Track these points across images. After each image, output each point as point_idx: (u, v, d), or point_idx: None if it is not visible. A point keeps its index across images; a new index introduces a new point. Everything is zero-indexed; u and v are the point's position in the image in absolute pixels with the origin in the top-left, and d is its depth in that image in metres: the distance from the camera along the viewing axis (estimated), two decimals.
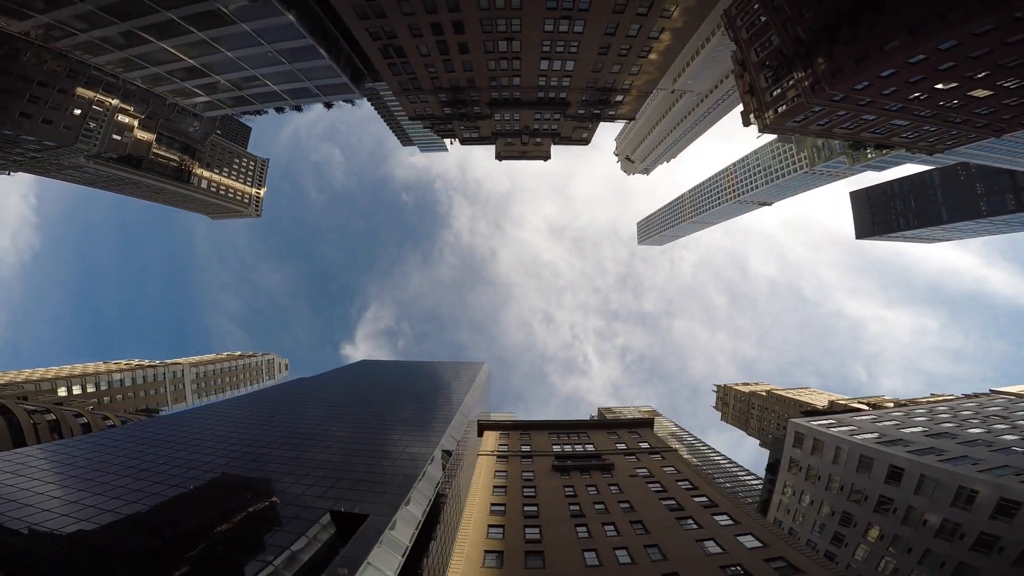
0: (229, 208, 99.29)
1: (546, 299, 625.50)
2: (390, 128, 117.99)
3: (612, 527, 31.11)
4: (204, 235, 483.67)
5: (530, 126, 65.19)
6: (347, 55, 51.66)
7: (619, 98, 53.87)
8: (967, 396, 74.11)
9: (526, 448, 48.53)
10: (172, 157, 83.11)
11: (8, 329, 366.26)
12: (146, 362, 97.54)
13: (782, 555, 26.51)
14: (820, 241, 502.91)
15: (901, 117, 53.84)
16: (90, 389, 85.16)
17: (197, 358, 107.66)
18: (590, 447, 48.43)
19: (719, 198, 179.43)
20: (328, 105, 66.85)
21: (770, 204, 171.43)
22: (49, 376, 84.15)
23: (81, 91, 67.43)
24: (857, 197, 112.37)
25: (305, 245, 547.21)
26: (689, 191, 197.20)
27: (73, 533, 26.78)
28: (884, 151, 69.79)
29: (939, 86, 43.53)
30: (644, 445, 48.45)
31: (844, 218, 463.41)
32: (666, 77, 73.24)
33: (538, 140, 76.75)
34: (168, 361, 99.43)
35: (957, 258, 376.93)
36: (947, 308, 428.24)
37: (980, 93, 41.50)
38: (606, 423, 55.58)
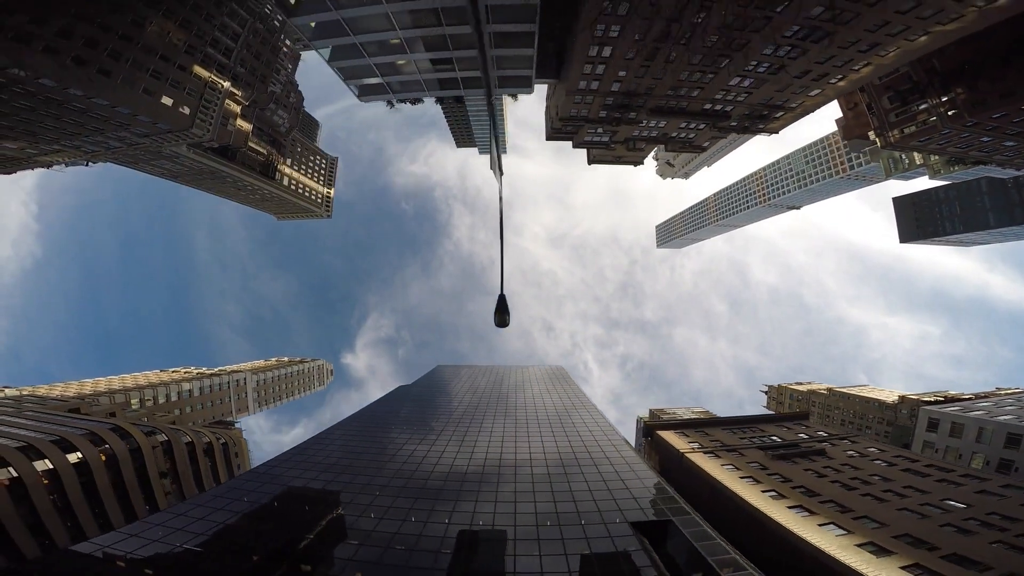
0: (303, 208, 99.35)
1: (546, 308, 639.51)
2: (450, 128, 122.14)
3: (891, 492, 38.91)
4: (204, 244, 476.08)
5: (669, 133, 72.58)
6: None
7: (779, 114, 62.46)
8: None
9: (715, 443, 55.66)
10: (261, 150, 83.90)
11: (10, 336, 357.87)
12: (206, 369, 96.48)
13: None
14: (822, 248, 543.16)
15: (1014, 139, 66.45)
16: (160, 400, 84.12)
17: (251, 364, 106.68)
18: (775, 438, 56.34)
19: (747, 201, 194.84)
20: (459, 100, 70.66)
21: (799, 208, 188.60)
22: (115, 387, 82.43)
23: (198, 70, 66.67)
24: (901, 202, 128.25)
25: (305, 253, 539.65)
26: (714, 194, 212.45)
27: None
28: (972, 164, 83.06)
29: None
30: (823, 433, 57.01)
31: (845, 223, 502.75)
32: None
33: (641, 146, 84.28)
34: (228, 368, 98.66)
35: (958, 264, 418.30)
36: (949, 314, 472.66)
37: None
38: (770, 417, 64.11)
